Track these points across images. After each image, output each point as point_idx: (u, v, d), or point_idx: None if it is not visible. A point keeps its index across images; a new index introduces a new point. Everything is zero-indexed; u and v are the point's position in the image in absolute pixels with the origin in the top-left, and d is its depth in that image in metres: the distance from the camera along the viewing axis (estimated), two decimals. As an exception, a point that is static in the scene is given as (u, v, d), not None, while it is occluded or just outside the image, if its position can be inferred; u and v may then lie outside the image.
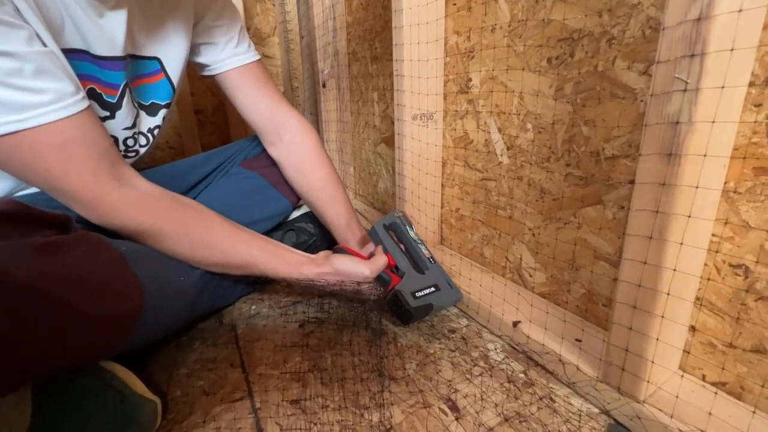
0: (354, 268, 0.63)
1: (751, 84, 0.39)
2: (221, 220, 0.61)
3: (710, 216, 0.43)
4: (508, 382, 0.55)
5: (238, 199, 0.81)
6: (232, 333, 0.68)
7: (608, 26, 0.51)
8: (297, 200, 0.88)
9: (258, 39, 1.64)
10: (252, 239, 0.62)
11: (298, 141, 0.81)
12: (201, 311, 0.67)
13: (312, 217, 0.91)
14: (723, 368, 0.47)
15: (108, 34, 0.58)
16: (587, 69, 0.54)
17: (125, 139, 0.66)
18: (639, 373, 0.46)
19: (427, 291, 0.68)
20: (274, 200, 0.85)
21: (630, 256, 0.44)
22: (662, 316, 0.43)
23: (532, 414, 0.50)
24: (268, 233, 0.82)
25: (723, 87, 0.36)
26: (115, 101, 0.62)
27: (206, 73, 0.76)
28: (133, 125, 0.67)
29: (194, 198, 0.80)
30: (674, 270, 0.41)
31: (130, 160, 0.69)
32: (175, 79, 0.71)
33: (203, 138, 1.61)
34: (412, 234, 0.74)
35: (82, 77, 0.55)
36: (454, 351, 0.62)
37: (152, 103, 0.70)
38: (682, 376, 0.49)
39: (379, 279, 0.69)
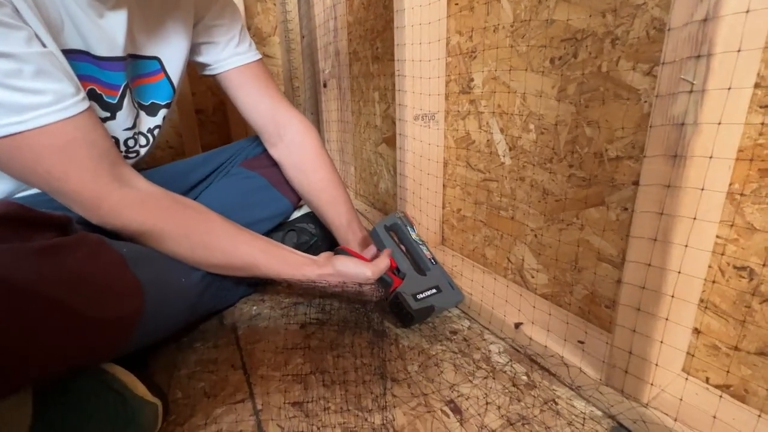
0: (355, 270, 0.63)
1: (756, 85, 0.39)
2: (222, 221, 0.61)
3: (715, 218, 0.43)
4: (511, 384, 0.55)
5: (238, 199, 0.81)
6: (233, 334, 0.68)
7: (612, 26, 0.50)
8: (298, 200, 0.87)
9: (259, 38, 1.64)
10: (253, 240, 0.62)
11: (299, 141, 0.80)
12: (202, 312, 0.67)
13: (313, 217, 0.90)
14: (728, 371, 0.46)
15: (108, 34, 0.58)
16: (591, 69, 0.54)
17: (126, 140, 0.66)
18: (642, 375, 0.45)
19: (429, 293, 0.68)
20: (274, 200, 0.84)
21: (634, 258, 0.44)
22: (666, 319, 0.43)
23: (535, 416, 0.50)
24: (269, 233, 0.82)
25: (729, 88, 0.36)
26: (115, 102, 0.62)
27: (207, 72, 0.76)
28: (133, 126, 0.66)
29: (195, 198, 0.80)
30: (679, 272, 0.41)
31: (131, 161, 0.69)
32: (175, 79, 0.70)
33: (204, 138, 1.60)
34: (413, 235, 0.73)
35: (83, 78, 0.55)
36: (456, 353, 0.62)
37: (152, 103, 0.70)
38: (687, 378, 0.48)
39: (381, 280, 0.68)
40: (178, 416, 0.51)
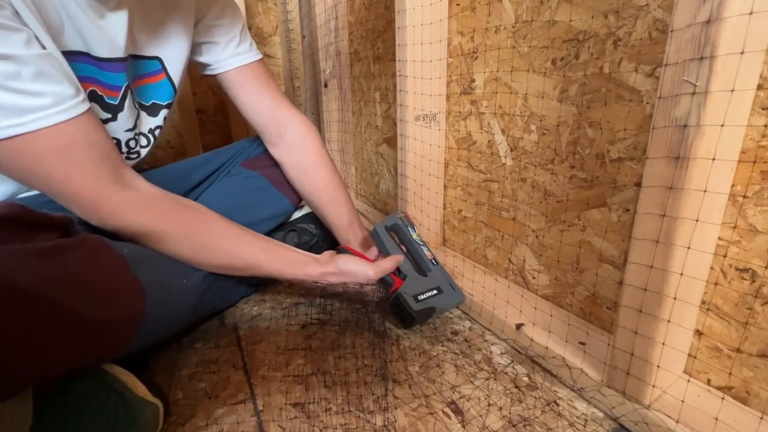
0: (357, 269, 0.63)
1: (759, 87, 0.39)
2: (223, 222, 0.60)
3: (717, 220, 0.43)
4: (512, 385, 0.55)
5: (239, 199, 0.81)
6: (234, 334, 0.68)
7: (614, 28, 0.50)
8: (299, 200, 0.87)
9: (260, 38, 1.64)
10: (255, 240, 0.62)
11: (299, 141, 0.80)
12: (203, 313, 0.67)
13: (314, 217, 0.91)
14: (730, 373, 0.46)
15: (109, 35, 0.57)
16: (593, 71, 0.54)
17: (127, 141, 0.66)
18: (644, 377, 0.45)
19: (430, 294, 0.68)
20: (275, 200, 0.84)
21: (636, 259, 0.44)
22: (668, 321, 0.43)
23: (537, 418, 0.50)
24: (270, 234, 0.82)
25: (732, 90, 0.36)
26: (116, 103, 0.62)
27: (207, 72, 0.76)
28: (134, 126, 0.66)
29: (196, 198, 0.80)
30: (681, 274, 0.41)
31: (132, 162, 0.69)
32: (176, 79, 0.70)
33: (205, 138, 1.60)
34: (414, 235, 0.73)
35: (83, 79, 0.55)
36: (457, 353, 0.62)
37: (153, 103, 0.69)
38: (688, 380, 0.48)
39: (382, 281, 0.68)
40: (179, 417, 0.51)
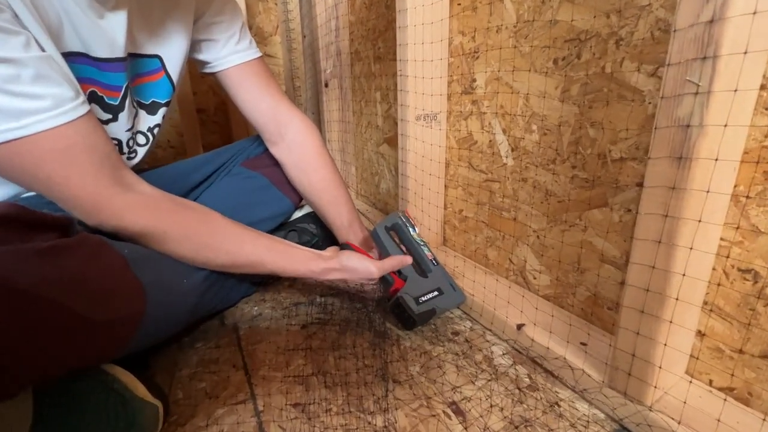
0: (360, 265, 0.63)
1: (762, 87, 0.39)
2: (225, 221, 0.60)
3: (720, 220, 0.43)
4: (513, 386, 0.55)
5: (240, 198, 0.80)
6: (235, 334, 0.68)
7: (616, 27, 0.50)
8: (299, 200, 0.87)
9: (260, 38, 1.64)
10: (257, 238, 0.62)
11: (300, 140, 0.80)
12: (203, 313, 0.67)
13: (314, 217, 0.90)
14: (732, 374, 0.46)
15: (109, 35, 0.57)
16: (594, 70, 0.53)
17: (128, 141, 0.66)
18: (646, 378, 0.45)
19: (431, 295, 0.68)
20: (276, 200, 0.84)
21: (638, 260, 0.43)
22: (670, 321, 0.43)
23: (538, 419, 0.49)
24: (271, 233, 0.82)
25: (736, 90, 0.36)
26: (117, 103, 0.62)
27: (207, 70, 0.76)
28: (132, 125, 0.66)
29: (196, 198, 0.80)
30: (683, 275, 0.41)
31: (132, 161, 0.69)
32: (175, 77, 0.70)
33: (205, 137, 1.60)
34: (414, 235, 0.73)
35: (82, 80, 0.55)
36: (457, 354, 0.62)
37: (153, 101, 0.69)
38: (690, 381, 0.48)
39: (382, 279, 0.68)
40: (179, 417, 0.51)
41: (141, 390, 0.46)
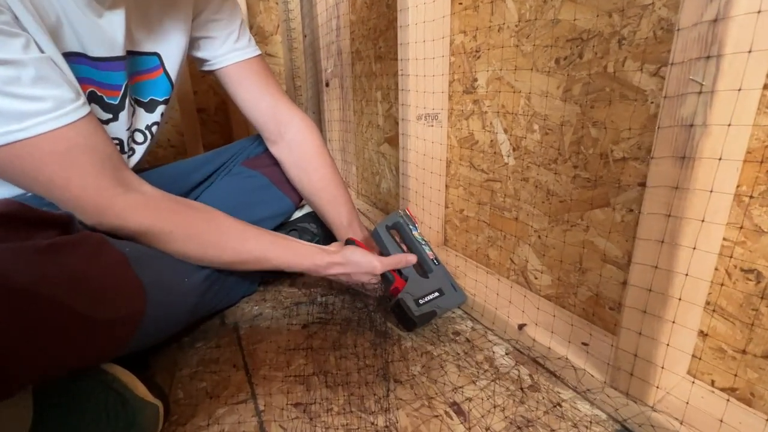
0: (364, 260, 0.64)
1: (766, 86, 0.39)
2: (228, 219, 0.61)
3: (722, 220, 0.43)
4: (515, 386, 0.55)
5: (240, 198, 0.80)
6: (235, 334, 0.68)
7: (619, 27, 0.50)
8: (299, 200, 0.87)
9: (261, 37, 1.63)
10: (261, 235, 0.63)
11: (300, 139, 0.80)
12: (203, 312, 0.66)
13: (314, 217, 0.90)
14: (735, 374, 0.46)
15: (108, 34, 0.57)
16: (596, 70, 0.53)
17: (127, 139, 0.66)
18: (648, 378, 0.45)
19: (431, 296, 0.67)
20: (276, 199, 0.84)
21: (640, 260, 0.43)
22: (673, 322, 0.42)
23: (539, 418, 0.49)
24: (271, 233, 0.82)
25: (740, 89, 0.35)
26: (117, 103, 0.62)
27: (206, 68, 0.75)
28: (130, 124, 0.66)
29: (197, 198, 0.79)
30: (686, 275, 0.41)
31: (131, 160, 0.68)
32: (173, 75, 0.70)
33: (206, 137, 1.60)
34: (415, 234, 0.73)
35: (81, 81, 0.54)
36: (459, 354, 0.61)
37: (151, 99, 0.69)
38: (693, 382, 0.48)
39: (383, 277, 0.68)
40: (179, 416, 0.51)
41: (141, 390, 0.46)
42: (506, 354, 0.61)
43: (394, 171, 1.09)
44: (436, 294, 0.68)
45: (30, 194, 0.59)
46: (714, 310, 0.47)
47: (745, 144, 0.40)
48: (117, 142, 0.64)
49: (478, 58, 0.72)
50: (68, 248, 0.41)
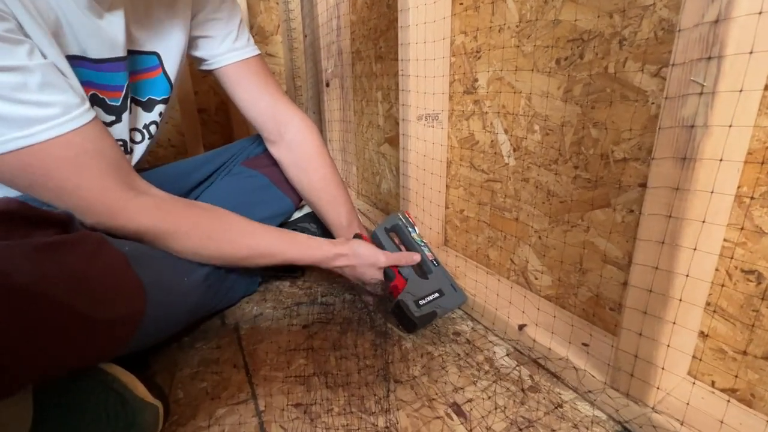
0: (369, 253, 0.66)
1: (766, 88, 0.39)
2: (237, 217, 0.62)
3: (723, 221, 0.43)
4: (517, 387, 0.55)
5: (240, 198, 0.80)
6: (235, 334, 0.68)
7: (619, 27, 0.50)
8: (299, 200, 0.87)
9: (261, 37, 1.63)
10: (269, 230, 0.64)
11: (299, 140, 0.80)
12: (204, 312, 0.66)
13: (314, 217, 0.90)
14: (736, 375, 0.46)
15: (109, 35, 0.57)
16: (597, 70, 0.53)
17: (129, 140, 0.66)
18: (648, 378, 0.45)
19: (431, 297, 0.67)
20: (276, 199, 0.84)
21: (641, 261, 0.43)
22: (673, 322, 0.42)
23: (540, 419, 0.49)
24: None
25: (741, 90, 0.35)
26: (119, 104, 0.62)
27: (204, 67, 0.75)
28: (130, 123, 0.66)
29: (197, 197, 0.80)
30: (687, 276, 0.41)
31: (131, 160, 0.68)
32: (172, 74, 0.70)
33: (206, 137, 1.60)
34: (414, 235, 0.73)
35: (83, 84, 0.54)
36: (459, 354, 0.61)
37: (149, 98, 0.69)
38: (693, 382, 0.48)
39: (384, 273, 0.68)
40: (180, 417, 0.51)
41: (141, 390, 0.46)
42: (507, 355, 0.61)
43: (395, 171, 1.09)
44: (436, 295, 0.68)
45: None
46: (714, 311, 0.47)
47: (746, 145, 0.40)
48: (121, 143, 0.64)
49: (479, 58, 0.72)
50: (67, 246, 0.41)
